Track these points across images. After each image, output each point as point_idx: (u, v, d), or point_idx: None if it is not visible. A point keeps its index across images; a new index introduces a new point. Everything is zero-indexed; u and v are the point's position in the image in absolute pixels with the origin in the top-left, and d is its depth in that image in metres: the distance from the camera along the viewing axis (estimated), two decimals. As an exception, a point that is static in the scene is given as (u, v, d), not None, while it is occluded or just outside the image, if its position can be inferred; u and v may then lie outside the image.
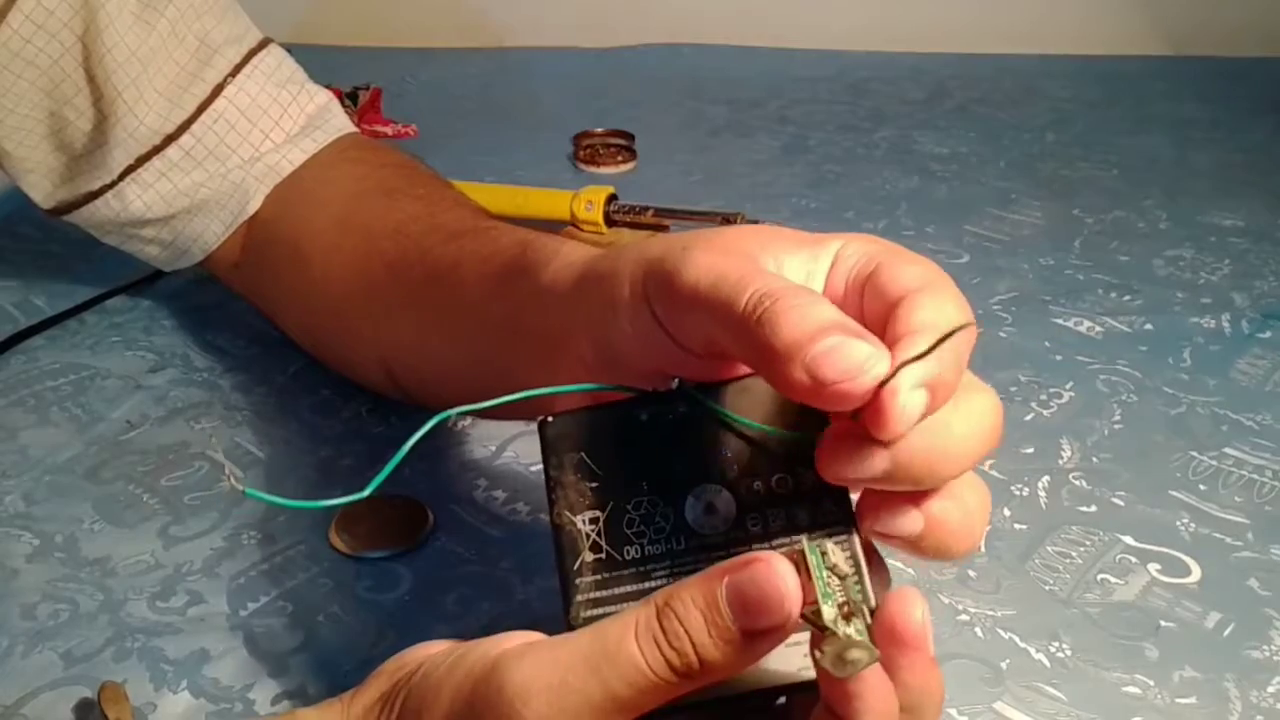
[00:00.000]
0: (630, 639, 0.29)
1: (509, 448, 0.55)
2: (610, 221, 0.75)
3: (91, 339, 0.65)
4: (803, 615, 0.28)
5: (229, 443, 0.56)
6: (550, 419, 0.34)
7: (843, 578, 0.29)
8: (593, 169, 0.88)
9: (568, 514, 0.33)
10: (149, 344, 0.64)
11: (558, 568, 0.33)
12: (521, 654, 0.30)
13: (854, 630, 0.28)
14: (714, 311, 0.31)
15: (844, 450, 0.30)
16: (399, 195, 0.56)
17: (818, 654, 0.28)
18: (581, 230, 0.74)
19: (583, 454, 0.33)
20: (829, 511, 0.32)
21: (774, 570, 0.28)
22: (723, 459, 0.33)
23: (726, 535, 0.32)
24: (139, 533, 0.50)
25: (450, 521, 0.50)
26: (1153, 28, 1.17)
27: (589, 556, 0.33)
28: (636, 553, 0.32)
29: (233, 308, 0.67)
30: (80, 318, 0.67)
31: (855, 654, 0.28)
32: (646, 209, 0.75)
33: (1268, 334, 0.65)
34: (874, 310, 0.32)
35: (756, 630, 0.28)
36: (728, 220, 0.74)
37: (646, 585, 0.32)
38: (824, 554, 0.29)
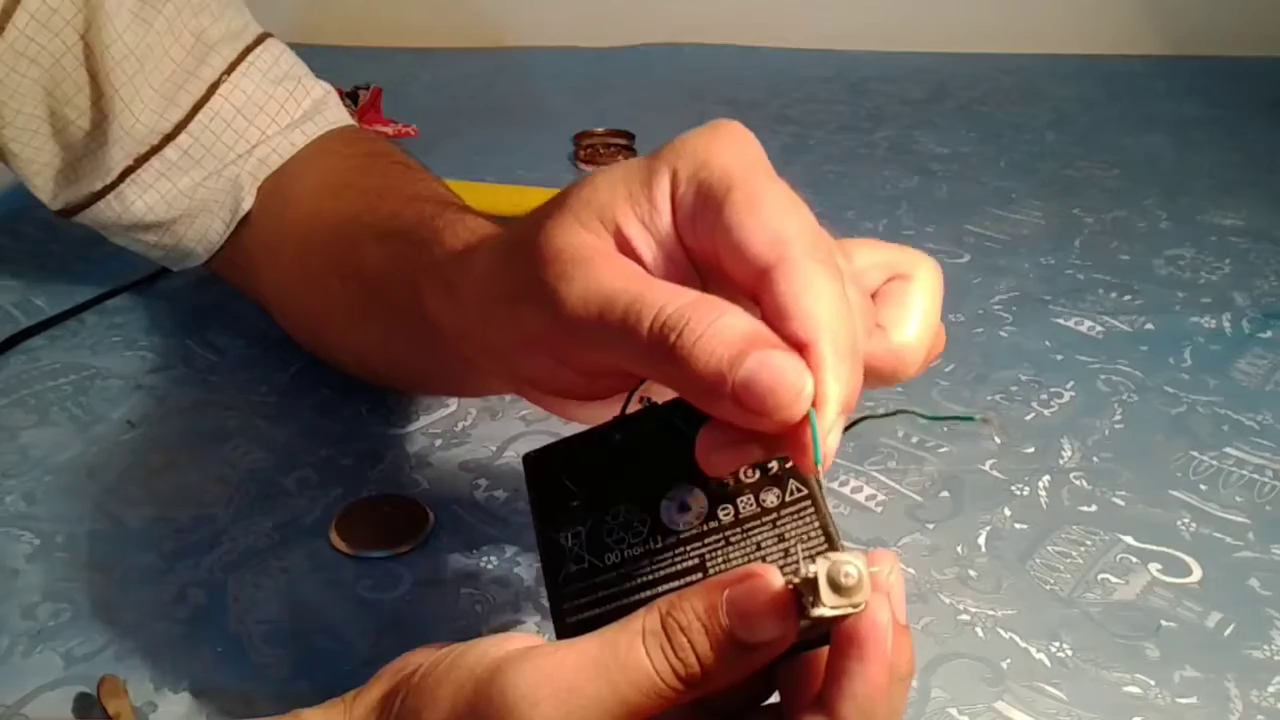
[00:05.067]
0: (639, 646, 0.29)
1: (509, 448, 0.55)
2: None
3: (91, 339, 0.65)
4: (790, 584, 0.29)
5: (230, 442, 0.56)
6: (531, 452, 0.36)
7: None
8: (593, 169, 0.88)
9: (550, 532, 0.35)
10: (149, 344, 0.64)
11: (545, 583, 0.34)
12: (524, 657, 0.30)
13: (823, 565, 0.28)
14: (614, 343, 0.31)
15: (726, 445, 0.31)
16: (348, 191, 0.56)
17: (818, 607, 0.28)
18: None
19: (563, 478, 0.36)
20: (795, 490, 0.34)
21: (770, 583, 0.29)
22: (693, 461, 0.34)
23: (701, 528, 0.34)
24: (139, 533, 0.50)
25: (450, 521, 0.50)
26: (1153, 27, 1.17)
27: (573, 568, 0.34)
28: (617, 558, 0.34)
29: (233, 307, 0.67)
30: (80, 318, 0.67)
31: (848, 566, 0.27)
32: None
33: (1268, 333, 0.65)
34: (736, 269, 0.31)
35: (755, 642, 0.29)
36: None
37: (629, 585, 0.34)
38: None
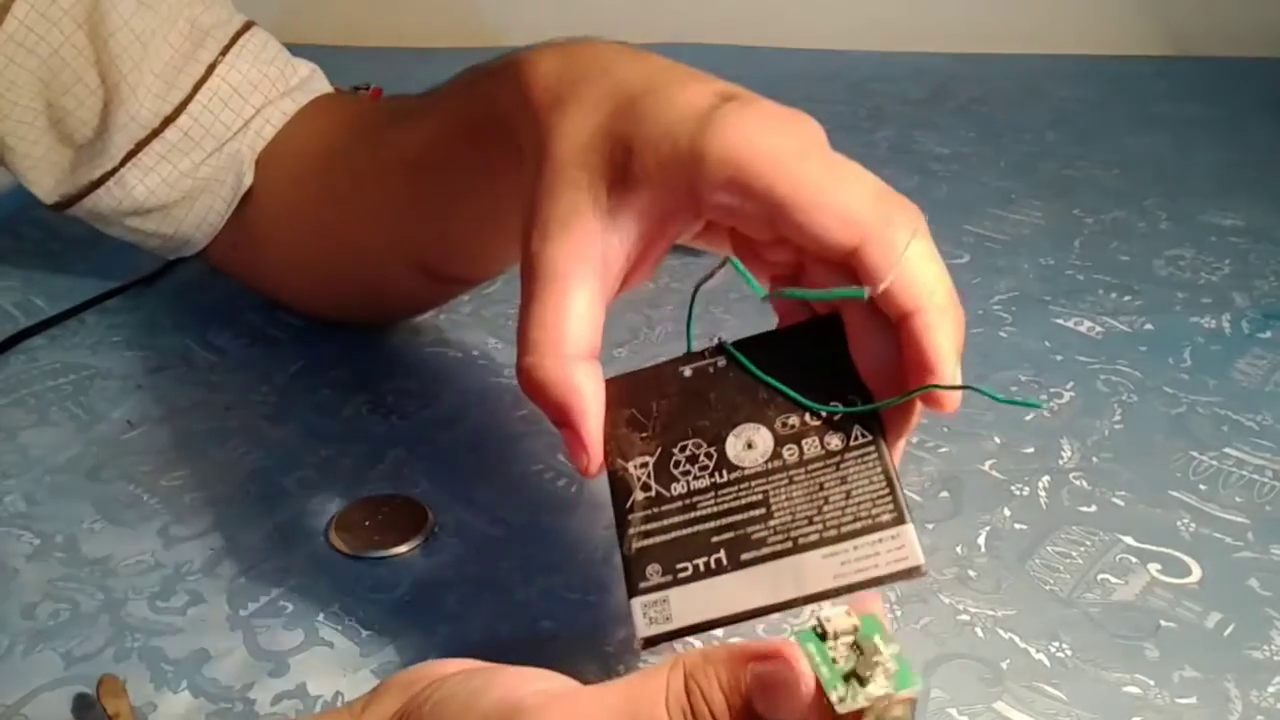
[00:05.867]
0: (662, 708, 0.29)
1: (510, 448, 0.55)
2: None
3: (91, 339, 0.65)
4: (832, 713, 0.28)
5: (230, 442, 0.56)
6: (609, 379, 0.38)
7: (851, 632, 0.29)
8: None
9: (620, 461, 0.37)
10: (149, 344, 0.64)
11: (614, 509, 0.36)
12: (545, 706, 0.29)
13: (878, 687, 0.28)
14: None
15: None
16: (355, 123, 0.58)
17: None
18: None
19: (633, 410, 0.38)
20: (860, 435, 0.35)
21: (799, 661, 0.28)
22: (759, 400, 0.36)
23: (766, 465, 0.35)
24: (139, 533, 0.50)
25: (450, 521, 0.50)
26: (1154, 27, 1.17)
27: (640, 495, 0.36)
28: (683, 488, 0.36)
29: (233, 307, 0.67)
30: (80, 318, 0.67)
31: (897, 713, 0.28)
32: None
33: (1268, 334, 0.65)
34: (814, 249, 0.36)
35: (776, 712, 0.28)
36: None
37: (693, 515, 0.35)
38: (821, 626, 0.29)
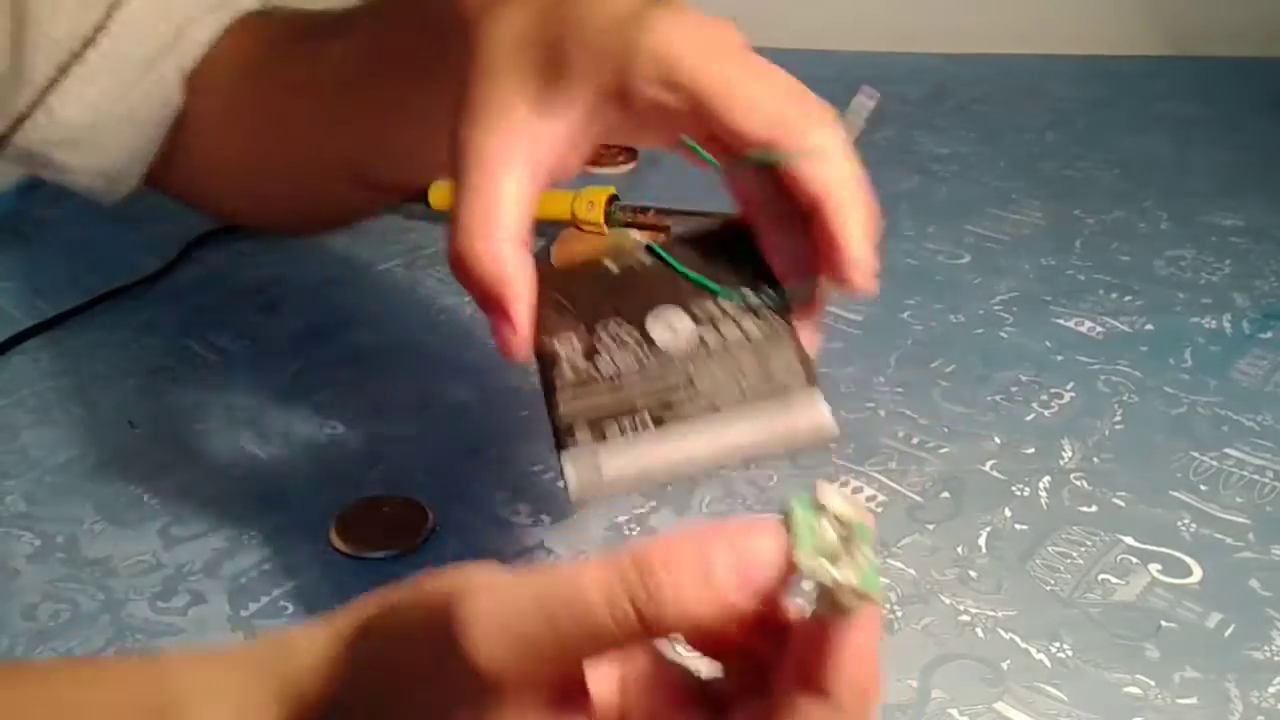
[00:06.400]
0: (592, 588, 0.27)
1: (510, 448, 0.55)
2: (611, 221, 0.75)
3: (92, 339, 0.65)
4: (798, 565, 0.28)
5: (230, 442, 0.56)
6: (539, 266, 0.40)
7: (845, 523, 0.29)
8: (594, 169, 0.88)
9: (545, 337, 0.39)
10: (149, 344, 0.64)
11: (542, 386, 0.38)
12: (475, 592, 0.29)
13: (848, 572, 0.27)
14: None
15: None
16: (295, 29, 0.58)
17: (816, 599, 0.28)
18: (582, 230, 0.74)
19: (559, 294, 0.40)
20: (773, 319, 0.39)
21: (771, 535, 0.27)
22: (681, 290, 0.40)
23: (687, 348, 0.38)
24: (139, 533, 0.50)
25: (450, 521, 0.50)
26: (1154, 27, 1.17)
27: (568, 372, 0.38)
28: (609, 366, 0.38)
29: (233, 307, 0.67)
30: (80, 318, 0.67)
31: (847, 600, 0.27)
32: (647, 209, 0.75)
33: (1269, 334, 0.65)
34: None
35: (747, 593, 0.27)
36: (729, 221, 0.74)
37: (621, 394, 0.38)
38: (819, 501, 0.29)
